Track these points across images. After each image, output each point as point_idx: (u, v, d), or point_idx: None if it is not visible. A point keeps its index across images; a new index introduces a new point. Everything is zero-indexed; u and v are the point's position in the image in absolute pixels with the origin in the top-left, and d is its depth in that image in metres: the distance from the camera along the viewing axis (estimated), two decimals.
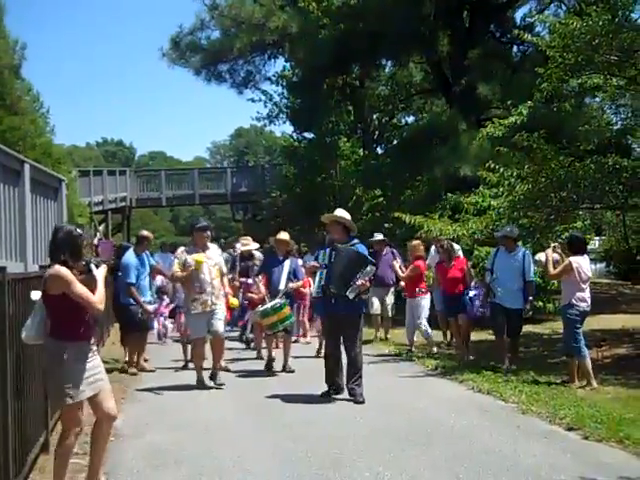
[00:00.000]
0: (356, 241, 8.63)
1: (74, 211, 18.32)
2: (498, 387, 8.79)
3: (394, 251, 13.52)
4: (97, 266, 5.29)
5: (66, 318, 5.02)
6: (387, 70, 28.40)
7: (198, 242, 9.37)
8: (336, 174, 24.95)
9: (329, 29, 22.36)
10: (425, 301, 12.02)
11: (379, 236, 13.66)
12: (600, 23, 10.07)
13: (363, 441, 6.53)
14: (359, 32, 20.95)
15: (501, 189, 12.51)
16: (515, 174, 11.86)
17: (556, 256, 9.20)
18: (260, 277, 10.71)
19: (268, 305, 9.73)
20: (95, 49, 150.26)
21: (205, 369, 9.54)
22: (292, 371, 10.38)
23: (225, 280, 9.65)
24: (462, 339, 11.42)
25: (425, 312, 11.97)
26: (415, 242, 12.39)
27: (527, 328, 13.42)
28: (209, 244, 9.47)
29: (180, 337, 11.56)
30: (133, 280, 10.35)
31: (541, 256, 9.39)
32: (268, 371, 10.40)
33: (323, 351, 9.20)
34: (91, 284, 5.09)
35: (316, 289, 8.49)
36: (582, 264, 8.85)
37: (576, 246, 9.02)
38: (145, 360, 11.09)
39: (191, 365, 10.33)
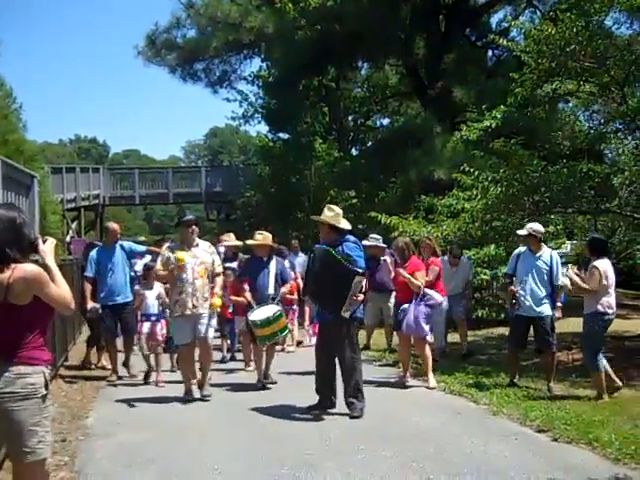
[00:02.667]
0: (347, 238, 7.72)
1: (46, 208, 18.15)
2: (469, 389, 8.85)
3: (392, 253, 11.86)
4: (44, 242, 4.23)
5: (35, 334, 4.03)
6: (363, 72, 28.54)
7: (184, 238, 8.59)
8: (311, 175, 24.96)
9: (305, 30, 22.41)
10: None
11: (375, 238, 12.05)
12: (574, 30, 10.19)
13: (334, 442, 6.54)
14: (335, 34, 21.02)
15: (475, 192, 12.60)
16: (489, 177, 11.98)
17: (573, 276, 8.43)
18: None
19: (269, 314, 8.66)
20: (69, 45, 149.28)
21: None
22: (274, 382, 9.48)
23: (218, 280, 8.69)
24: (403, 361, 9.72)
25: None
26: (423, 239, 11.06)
27: (499, 330, 13.58)
28: (198, 240, 8.66)
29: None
30: (88, 273, 9.78)
31: (565, 281, 8.57)
32: (260, 385, 9.36)
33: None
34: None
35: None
36: (607, 267, 8.29)
37: (598, 248, 8.54)
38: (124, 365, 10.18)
39: (177, 374, 9.43)
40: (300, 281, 12.07)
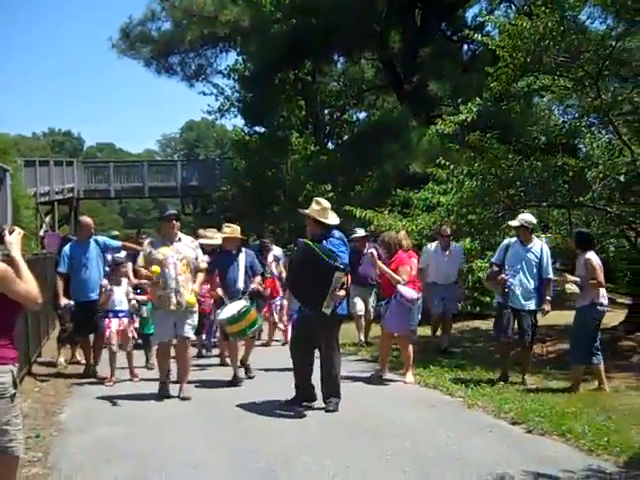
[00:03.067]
0: (333, 234, 7.57)
1: (19, 202, 17.98)
2: (444, 382, 8.88)
3: (377, 247, 11.37)
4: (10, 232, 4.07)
5: (1, 332, 3.94)
6: (339, 66, 28.50)
7: (165, 233, 8.40)
8: (287, 169, 24.91)
9: (281, 23, 22.33)
10: None
11: (360, 232, 12.08)
12: (548, 24, 10.24)
13: (310, 436, 6.56)
14: (311, 27, 20.97)
15: (450, 186, 12.64)
16: (464, 171, 12.02)
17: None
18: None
19: (232, 310, 8.50)
20: (44, 38, 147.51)
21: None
22: (251, 377, 9.42)
23: (199, 276, 8.48)
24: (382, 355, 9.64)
25: None
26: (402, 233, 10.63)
27: (474, 323, 13.65)
28: (180, 234, 8.44)
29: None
30: (61, 269, 9.56)
31: (574, 288, 8.33)
32: (234, 382, 9.09)
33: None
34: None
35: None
36: (598, 259, 8.42)
37: (586, 241, 8.60)
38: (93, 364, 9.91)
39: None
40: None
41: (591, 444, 6.03)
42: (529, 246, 8.83)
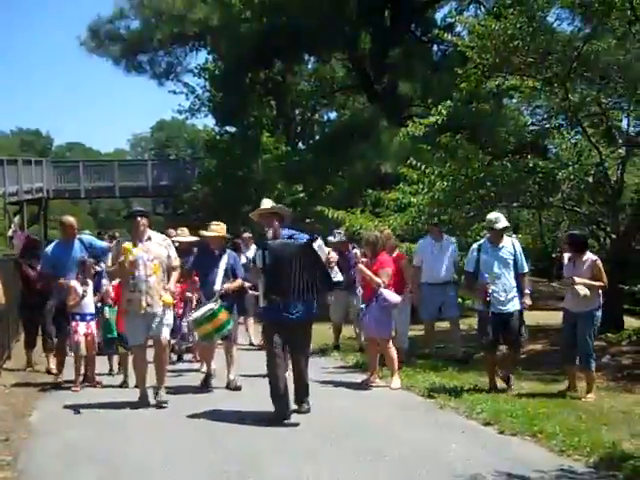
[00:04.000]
0: (292, 232, 7.40)
1: None
2: (417, 382, 8.90)
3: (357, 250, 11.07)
4: None
5: None
6: (310, 66, 28.53)
7: (134, 231, 7.98)
8: (258, 169, 24.89)
9: (251, 23, 22.34)
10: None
11: (340, 236, 11.40)
12: (517, 25, 10.32)
13: (283, 438, 6.54)
14: (281, 27, 21.00)
15: (421, 186, 12.68)
16: (435, 172, 12.08)
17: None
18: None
19: (199, 312, 8.24)
20: (11, 35, 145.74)
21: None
22: (238, 388, 8.77)
23: (174, 275, 8.09)
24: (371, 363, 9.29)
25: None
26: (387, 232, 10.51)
27: (445, 324, 13.66)
28: (150, 232, 8.01)
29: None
30: (46, 270, 9.24)
31: (585, 291, 7.93)
32: (204, 387, 8.86)
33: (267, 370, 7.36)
34: None
35: (263, 298, 7.20)
36: None
37: (582, 243, 8.35)
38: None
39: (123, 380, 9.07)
40: None
41: (562, 444, 6.07)
42: (501, 245, 8.41)
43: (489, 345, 8.42)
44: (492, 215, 8.62)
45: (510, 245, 8.45)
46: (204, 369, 9.44)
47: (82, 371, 9.05)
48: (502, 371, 8.62)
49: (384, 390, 8.75)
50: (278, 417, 7.08)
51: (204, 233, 9.13)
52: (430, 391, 8.39)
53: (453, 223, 11.77)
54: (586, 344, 8.07)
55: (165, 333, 7.97)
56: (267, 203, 7.63)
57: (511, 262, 8.35)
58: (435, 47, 25.26)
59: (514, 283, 8.32)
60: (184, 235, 10.90)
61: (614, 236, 11.25)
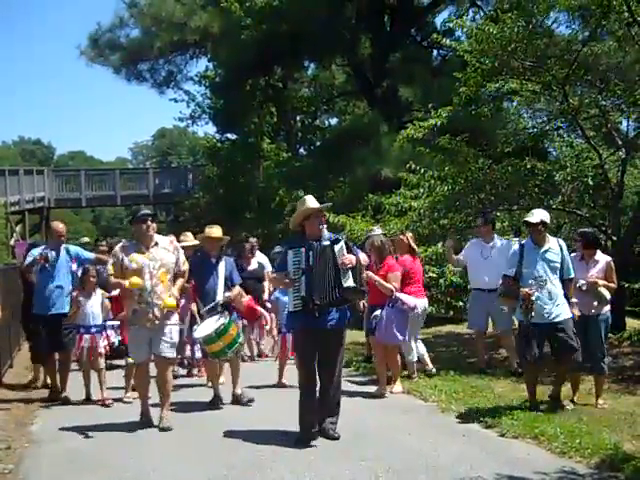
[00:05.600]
0: (331, 235, 6.76)
1: None
2: (418, 386, 8.88)
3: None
4: None
5: None
6: (310, 72, 28.59)
7: (139, 236, 7.30)
8: (259, 175, 24.93)
9: (251, 30, 22.33)
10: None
11: (378, 230, 9.90)
12: (515, 29, 10.33)
13: (283, 444, 6.51)
14: (281, 33, 21.04)
15: (421, 190, 12.69)
16: (435, 176, 12.09)
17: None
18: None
19: (209, 328, 7.67)
20: (12, 45, 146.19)
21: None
22: (250, 400, 8.31)
23: (180, 281, 7.48)
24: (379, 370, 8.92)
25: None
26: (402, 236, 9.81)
27: (447, 328, 13.68)
28: (156, 237, 7.37)
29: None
30: (27, 260, 8.66)
31: (605, 292, 7.68)
32: (213, 407, 8.19)
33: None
34: None
35: (294, 302, 6.57)
36: None
37: (595, 241, 8.07)
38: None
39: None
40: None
41: (563, 446, 6.07)
42: (546, 246, 7.46)
43: (533, 361, 7.47)
44: (540, 211, 7.74)
45: (556, 246, 7.48)
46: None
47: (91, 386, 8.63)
48: (553, 390, 7.81)
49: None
50: (304, 440, 6.51)
51: (203, 235, 8.56)
52: (431, 394, 8.37)
53: (454, 226, 11.77)
54: (600, 347, 7.79)
55: (170, 351, 7.30)
56: (313, 201, 6.79)
57: (557, 265, 7.42)
58: (435, 52, 25.30)
59: (561, 290, 7.41)
60: (188, 240, 10.23)
61: (615, 238, 11.24)
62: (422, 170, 12.51)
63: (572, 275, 7.50)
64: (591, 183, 11.32)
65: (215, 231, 8.46)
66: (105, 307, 8.71)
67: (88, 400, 8.61)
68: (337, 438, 6.57)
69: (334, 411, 6.73)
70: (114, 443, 6.76)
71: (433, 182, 12.09)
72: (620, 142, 11.30)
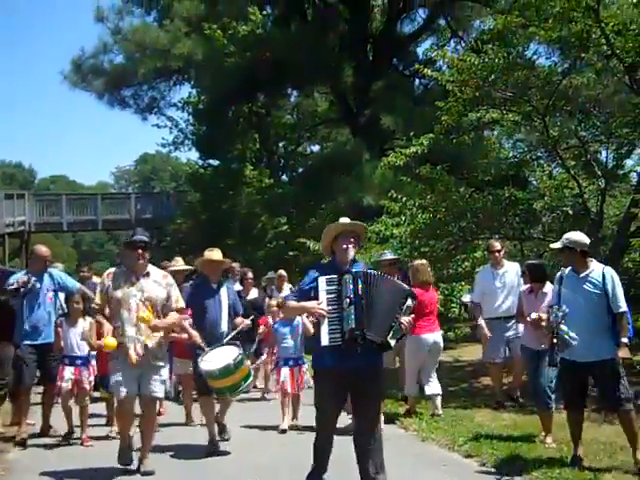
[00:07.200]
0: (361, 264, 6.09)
1: None
2: (398, 415, 8.85)
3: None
4: None
5: None
6: (292, 99, 28.76)
7: (129, 263, 6.65)
8: (241, 201, 24.95)
9: (235, 57, 22.49)
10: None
11: (389, 255, 9.91)
12: (496, 60, 10.45)
13: (262, 472, 6.46)
14: (265, 61, 21.22)
15: (403, 218, 12.76)
16: (417, 204, 12.16)
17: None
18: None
19: (229, 360, 6.86)
20: None
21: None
22: (226, 439, 7.67)
23: (172, 315, 6.70)
24: None
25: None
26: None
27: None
28: (149, 268, 6.69)
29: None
30: (11, 285, 7.87)
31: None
32: (211, 451, 7.37)
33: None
34: None
35: (330, 335, 5.36)
36: None
37: (544, 273, 7.63)
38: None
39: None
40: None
41: (544, 477, 6.05)
42: (585, 273, 6.48)
43: (568, 402, 6.74)
44: (573, 234, 6.72)
45: (598, 274, 6.43)
46: (194, 419, 8.66)
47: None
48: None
49: None
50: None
51: (204, 258, 7.78)
52: (411, 423, 8.34)
53: (435, 254, 11.81)
54: (548, 383, 7.24)
55: (158, 391, 6.60)
56: (345, 219, 6.05)
57: (596, 297, 6.35)
58: (417, 80, 25.59)
59: (599, 324, 6.36)
60: (178, 265, 9.73)
61: None
62: (403, 199, 12.58)
63: (621, 309, 6.37)
64: (571, 212, 11.43)
65: (216, 254, 7.77)
66: (85, 334, 7.57)
67: (70, 435, 7.89)
68: None
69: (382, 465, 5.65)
70: (91, 469, 6.64)
71: (414, 210, 12.16)
72: (599, 172, 11.40)
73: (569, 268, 6.63)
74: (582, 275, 6.45)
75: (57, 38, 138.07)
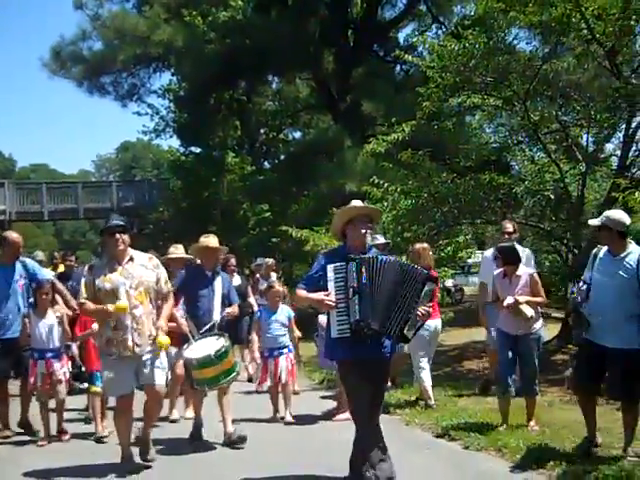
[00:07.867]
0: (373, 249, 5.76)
1: None
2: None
3: None
4: None
5: None
6: (274, 85, 28.68)
7: (109, 251, 6.30)
8: (223, 189, 24.90)
9: (215, 44, 22.38)
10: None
11: (381, 239, 9.63)
12: (476, 45, 10.46)
13: (244, 456, 6.48)
14: (245, 48, 21.13)
15: (385, 204, 12.76)
16: (399, 189, 12.17)
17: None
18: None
19: (210, 350, 6.62)
20: None
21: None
22: (243, 439, 6.94)
23: (166, 306, 6.40)
24: None
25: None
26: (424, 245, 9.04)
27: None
28: (131, 252, 6.31)
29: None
30: None
31: (530, 311, 6.87)
32: (195, 441, 7.12)
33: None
34: None
35: (338, 327, 5.25)
36: None
37: (517, 256, 7.21)
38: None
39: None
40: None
41: (526, 459, 6.10)
42: (621, 256, 5.99)
43: (579, 385, 6.41)
44: (614, 212, 6.30)
45: (634, 259, 5.92)
46: (188, 414, 8.05)
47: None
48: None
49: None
50: None
51: (199, 245, 7.51)
52: (395, 407, 8.38)
53: (417, 240, 11.82)
54: (532, 368, 7.14)
55: (160, 379, 6.24)
56: (358, 203, 5.91)
57: (627, 281, 5.88)
58: (398, 67, 25.56)
59: (628, 311, 5.87)
60: (178, 252, 8.91)
61: (576, 251, 11.38)
62: (385, 184, 12.59)
63: None
64: (552, 197, 11.49)
65: (212, 241, 7.45)
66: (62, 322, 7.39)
67: (48, 437, 7.39)
68: None
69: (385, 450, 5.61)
70: (77, 465, 6.49)
71: (397, 196, 12.18)
72: (580, 156, 11.47)
73: (605, 248, 6.16)
74: (617, 257, 5.99)
75: (37, 25, 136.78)
